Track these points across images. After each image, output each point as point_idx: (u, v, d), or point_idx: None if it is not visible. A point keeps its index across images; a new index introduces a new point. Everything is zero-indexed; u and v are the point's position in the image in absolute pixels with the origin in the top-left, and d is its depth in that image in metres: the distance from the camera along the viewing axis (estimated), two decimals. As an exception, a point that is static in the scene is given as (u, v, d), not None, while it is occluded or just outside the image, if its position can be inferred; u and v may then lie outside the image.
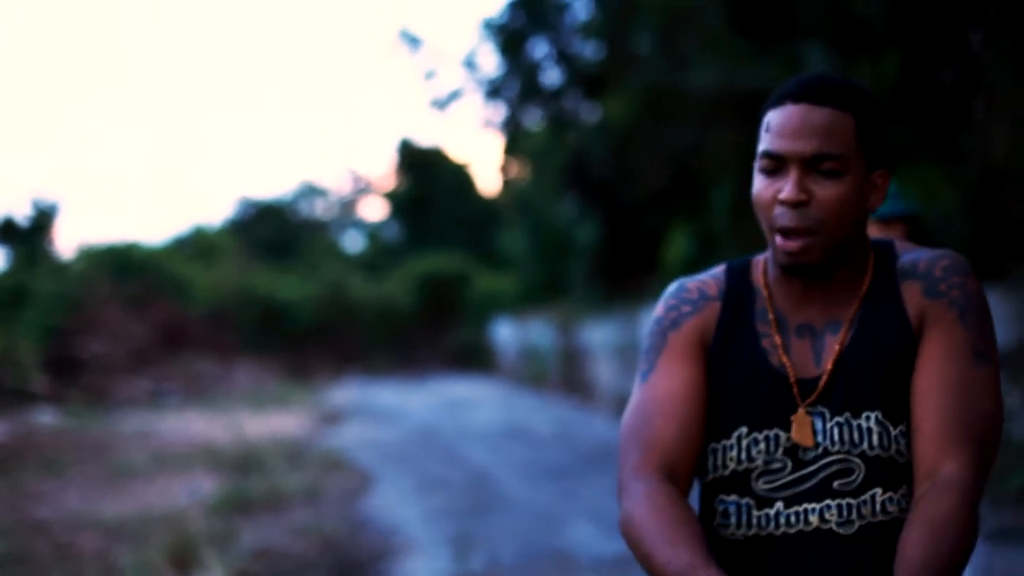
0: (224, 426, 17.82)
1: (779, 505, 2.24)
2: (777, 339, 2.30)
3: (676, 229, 20.37)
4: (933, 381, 2.17)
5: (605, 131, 20.15)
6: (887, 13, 13.74)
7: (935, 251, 2.32)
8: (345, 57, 76.38)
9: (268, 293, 34.95)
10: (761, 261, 2.42)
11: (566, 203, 24.97)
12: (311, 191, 51.24)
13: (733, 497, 2.27)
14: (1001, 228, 12.44)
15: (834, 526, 2.20)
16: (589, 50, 18.77)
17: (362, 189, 50.49)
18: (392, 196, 46.53)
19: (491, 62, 19.30)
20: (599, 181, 21.05)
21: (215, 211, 71.68)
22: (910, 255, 2.33)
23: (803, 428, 2.24)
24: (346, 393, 26.87)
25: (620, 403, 21.78)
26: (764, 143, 2.23)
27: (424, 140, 42.14)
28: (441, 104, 20.39)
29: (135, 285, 30.46)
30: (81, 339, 27.13)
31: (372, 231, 49.63)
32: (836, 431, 2.22)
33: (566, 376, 26.31)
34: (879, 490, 2.19)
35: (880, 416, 2.20)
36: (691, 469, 2.26)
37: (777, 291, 2.35)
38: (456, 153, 43.96)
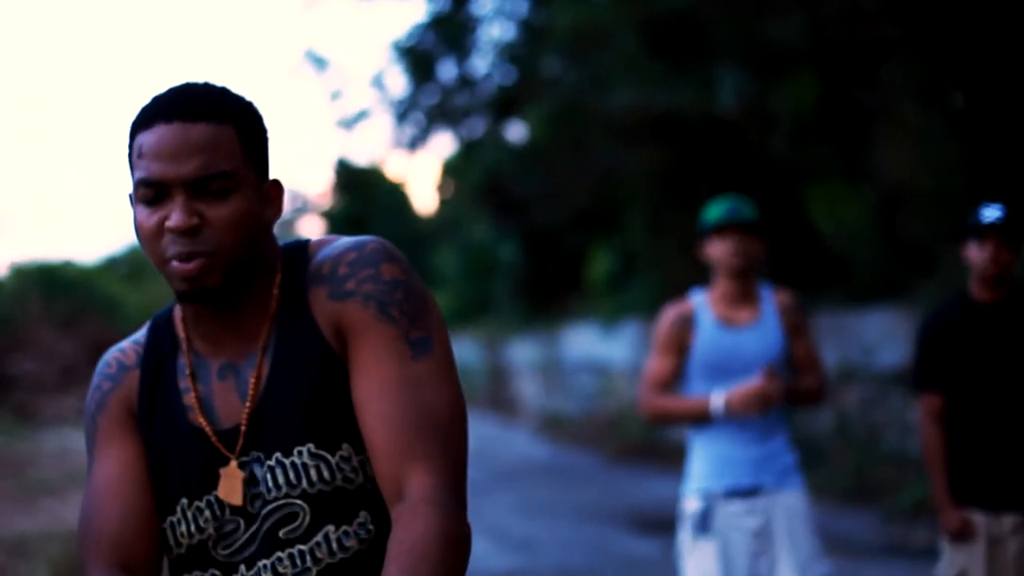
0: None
1: (242, 568, 2.04)
2: (193, 393, 2.07)
3: (597, 248, 20.53)
4: (370, 392, 1.94)
5: (519, 151, 20.30)
6: (805, 36, 13.93)
7: (348, 242, 2.07)
8: (283, 75, 76.33)
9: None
10: (179, 306, 2.17)
11: (486, 222, 25.16)
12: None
13: (197, 572, 2.08)
14: (902, 247, 12.66)
15: None
16: (500, 71, 18.92)
17: (300, 208, 50.45)
18: (329, 215, 46.51)
19: (400, 83, 19.44)
20: (516, 201, 21.21)
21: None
22: (322, 253, 2.08)
23: (231, 483, 2.03)
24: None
25: (544, 420, 21.93)
26: (140, 170, 1.98)
27: (361, 159, 41.98)
28: (348, 124, 20.51)
29: (66, 303, 30.30)
30: (11, 357, 26.98)
31: (309, 250, 49.44)
32: (270, 476, 2.00)
33: (493, 394, 26.49)
34: (331, 527, 2.00)
35: (313, 448, 1.99)
36: (148, 554, 2.07)
37: (196, 334, 2.11)
38: (393, 172, 43.79)
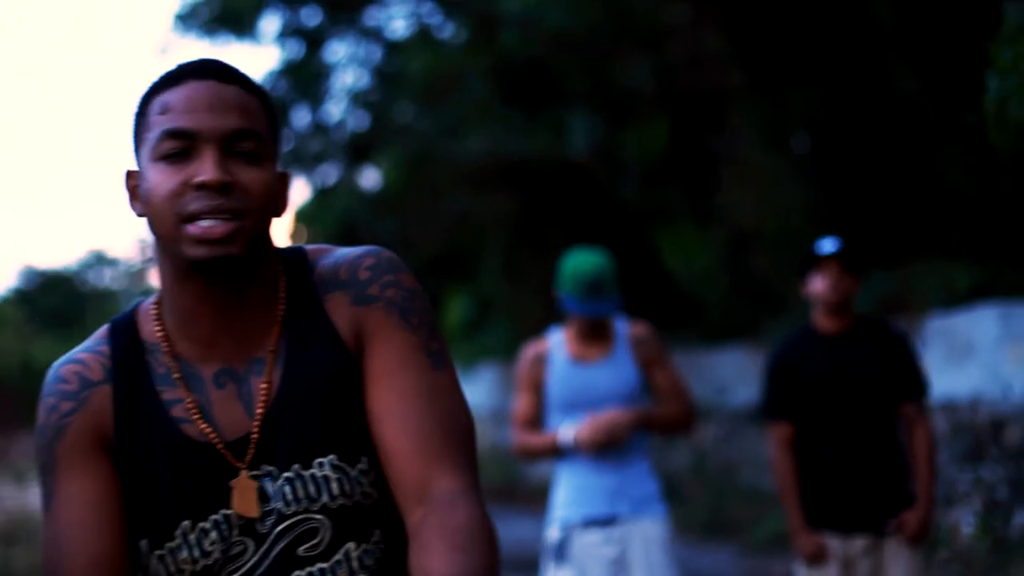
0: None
1: None
2: (189, 401, 1.88)
3: (453, 294, 20.63)
4: (394, 397, 1.85)
5: (373, 198, 20.36)
6: (653, 82, 14.19)
7: (356, 250, 1.97)
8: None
9: (51, 364, 34.12)
10: (151, 307, 1.96)
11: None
12: (99, 260, 50.42)
13: None
14: (752, 287, 12.93)
15: None
16: (354, 118, 19.00)
17: (151, 258, 49.83)
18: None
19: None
20: (368, 247, 21.25)
21: (-2, 281, 69.73)
22: (327, 260, 1.96)
23: (245, 496, 1.86)
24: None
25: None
26: (164, 124, 1.83)
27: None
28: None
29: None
30: None
31: (160, 300, 48.85)
32: (288, 489, 1.86)
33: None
34: (352, 545, 1.89)
35: (336, 459, 1.87)
36: None
37: (183, 335, 1.92)
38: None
